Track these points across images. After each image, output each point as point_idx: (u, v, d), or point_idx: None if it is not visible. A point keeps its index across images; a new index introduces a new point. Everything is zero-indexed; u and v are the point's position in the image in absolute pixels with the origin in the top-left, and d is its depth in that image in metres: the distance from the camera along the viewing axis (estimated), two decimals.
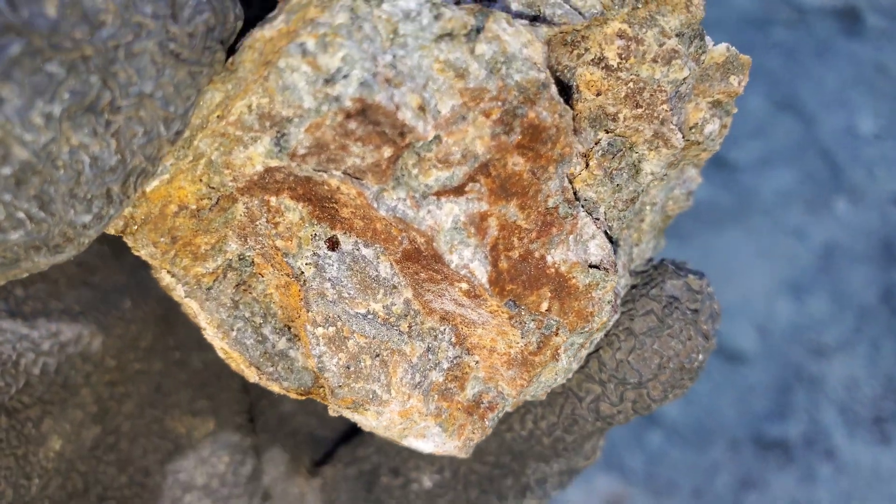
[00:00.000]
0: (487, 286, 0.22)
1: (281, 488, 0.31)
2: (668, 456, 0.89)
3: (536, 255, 0.22)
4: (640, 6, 0.22)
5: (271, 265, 0.23)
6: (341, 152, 0.20)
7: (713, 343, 0.26)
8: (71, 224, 0.19)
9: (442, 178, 0.21)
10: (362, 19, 0.19)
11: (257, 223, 0.23)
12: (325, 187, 0.21)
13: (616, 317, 0.24)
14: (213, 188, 0.22)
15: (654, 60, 0.22)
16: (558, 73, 0.23)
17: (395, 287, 0.23)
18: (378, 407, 0.24)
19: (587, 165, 0.23)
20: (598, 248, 0.23)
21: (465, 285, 0.22)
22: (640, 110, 0.23)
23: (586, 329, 0.24)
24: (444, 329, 0.24)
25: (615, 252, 0.24)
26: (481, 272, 0.21)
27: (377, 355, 0.24)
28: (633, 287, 0.26)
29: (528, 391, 0.25)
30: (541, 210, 0.22)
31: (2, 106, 0.16)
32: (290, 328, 0.24)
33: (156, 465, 0.29)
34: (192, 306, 0.24)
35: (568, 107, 0.21)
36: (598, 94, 0.23)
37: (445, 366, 0.24)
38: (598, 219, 0.24)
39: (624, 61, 0.22)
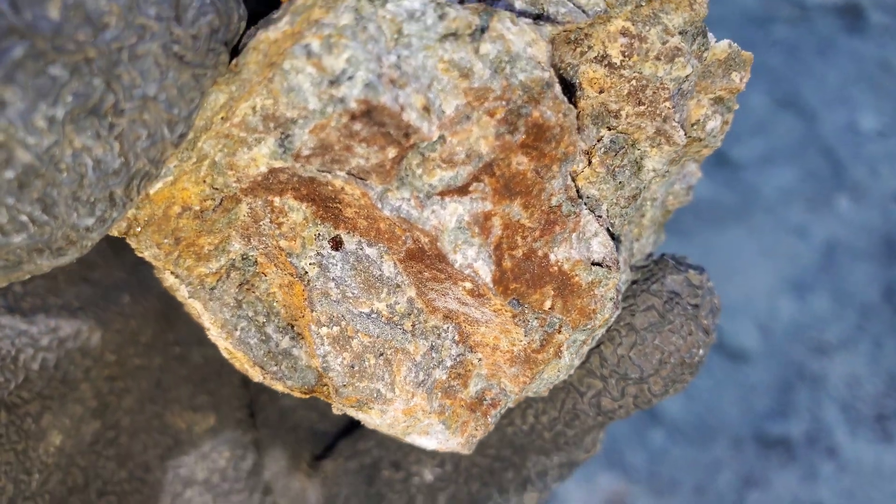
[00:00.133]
0: (491, 285, 0.22)
1: (282, 483, 0.31)
2: (669, 454, 0.89)
3: (540, 253, 0.22)
4: (643, 4, 0.22)
5: (275, 265, 0.23)
6: (346, 153, 0.20)
7: (713, 338, 0.26)
8: (74, 227, 0.18)
9: (446, 177, 0.21)
10: (367, 20, 0.19)
11: (261, 223, 0.23)
12: (329, 188, 0.21)
13: (618, 313, 0.24)
14: (217, 189, 0.22)
15: (658, 58, 0.22)
16: (561, 71, 0.23)
17: (398, 286, 0.23)
18: (382, 405, 0.24)
19: (590, 163, 0.23)
20: (600, 246, 0.23)
21: (468, 284, 0.22)
22: (642, 107, 0.23)
23: (589, 326, 0.24)
24: (448, 327, 0.24)
25: (617, 248, 0.24)
26: (485, 271, 0.21)
27: (381, 354, 0.24)
28: (634, 282, 0.26)
29: (531, 388, 0.25)
30: (544, 208, 0.22)
31: (5, 109, 0.16)
32: (293, 327, 0.24)
33: (156, 460, 0.29)
34: (195, 307, 0.24)
35: (572, 105, 0.21)
36: (600, 92, 0.23)
37: (449, 364, 0.24)
38: (600, 216, 0.24)
39: (627, 59, 0.22)
